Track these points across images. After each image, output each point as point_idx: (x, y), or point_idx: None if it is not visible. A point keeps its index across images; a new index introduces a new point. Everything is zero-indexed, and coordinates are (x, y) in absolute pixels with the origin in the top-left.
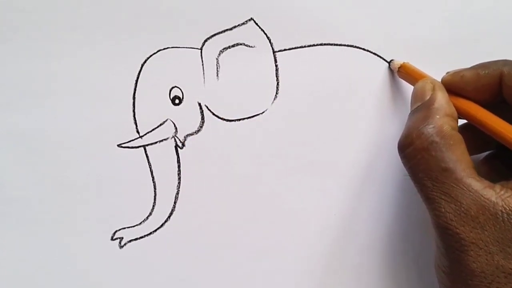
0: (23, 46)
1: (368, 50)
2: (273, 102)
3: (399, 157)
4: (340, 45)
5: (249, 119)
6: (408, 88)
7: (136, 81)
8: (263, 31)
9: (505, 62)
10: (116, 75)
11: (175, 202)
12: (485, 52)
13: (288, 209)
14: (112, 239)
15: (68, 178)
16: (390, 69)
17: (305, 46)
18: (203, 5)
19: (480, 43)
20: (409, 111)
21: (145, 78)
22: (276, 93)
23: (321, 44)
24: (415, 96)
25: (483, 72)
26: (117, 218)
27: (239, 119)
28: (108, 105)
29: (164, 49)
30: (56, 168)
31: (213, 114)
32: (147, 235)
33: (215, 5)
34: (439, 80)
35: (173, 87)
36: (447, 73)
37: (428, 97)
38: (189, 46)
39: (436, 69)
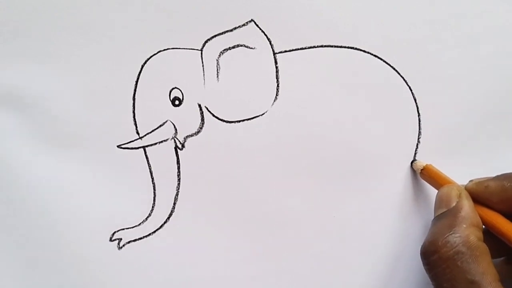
0: (23, 46)
1: (368, 52)
2: (273, 103)
3: (399, 157)
4: (341, 47)
5: (249, 121)
6: None
7: (136, 82)
8: (264, 32)
9: None
10: (116, 76)
11: (174, 203)
12: (487, 53)
13: (288, 211)
14: (111, 240)
15: (67, 179)
16: (412, 169)
17: (305, 48)
18: (204, 6)
19: (481, 43)
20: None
21: (145, 79)
22: (276, 95)
23: (321, 46)
24: (440, 201)
25: (509, 184)
26: (117, 219)
27: (239, 121)
28: (108, 106)
29: (164, 50)
30: (56, 168)
31: (213, 115)
32: (146, 236)
33: (216, 6)
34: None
35: (173, 88)
36: (471, 181)
37: (454, 204)
38: (190, 47)
39: (435, 69)
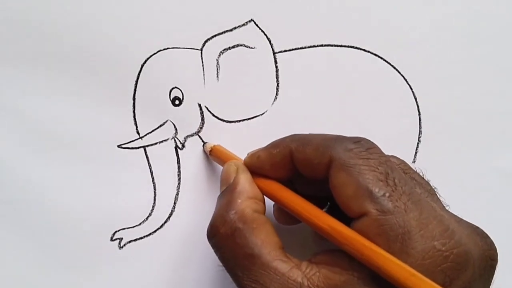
0: (22, 46)
1: (368, 51)
2: (273, 103)
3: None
4: (340, 46)
5: (249, 120)
6: None
7: (136, 81)
8: (264, 32)
9: (292, 138)
10: (116, 76)
11: (175, 203)
12: (487, 52)
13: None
14: (111, 239)
15: (67, 179)
16: (204, 151)
17: (305, 47)
18: (203, 6)
19: (482, 43)
20: None
21: (145, 78)
22: (276, 95)
23: (321, 45)
24: (221, 179)
25: (275, 151)
26: (117, 218)
27: (239, 120)
28: (108, 105)
29: (164, 49)
30: (56, 168)
31: (213, 115)
32: (147, 235)
33: (216, 6)
34: None
35: (173, 88)
36: (247, 154)
37: (232, 180)
38: (189, 47)
39: (436, 69)
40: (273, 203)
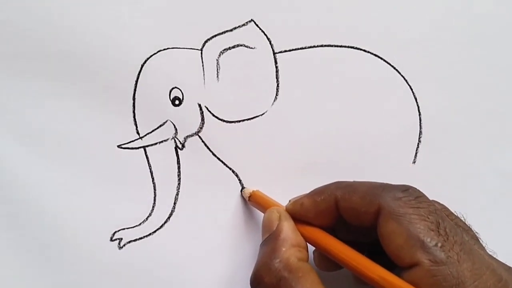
0: (22, 46)
1: (368, 52)
2: (273, 103)
3: (400, 157)
4: (341, 46)
5: (249, 121)
6: None
7: (136, 81)
8: (264, 32)
9: (337, 185)
10: (116, 76)
11: (174, 203)
12: (487, 52)
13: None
14: (111, 239)
15: (67, 179)
16: (242, 197)
17: (305, 48)
18: (204, 6)
19: (482, 43)
20: None
21: (145, 78)
22: (276, 95)
23: (321, 46)
24: (264, 226)
25: (319, 198)
26: (117, 218)
27: (239, 121)
28: (108, 105)
29: (164, 49)
30: (56, 168)
31: (213, 115)
32: (147, 236)
33: (216, 6)
34: None
35: (173, 88)
36: (289, 201)
37: (274, 228)
38: (189, 47)
39: (436, 69)
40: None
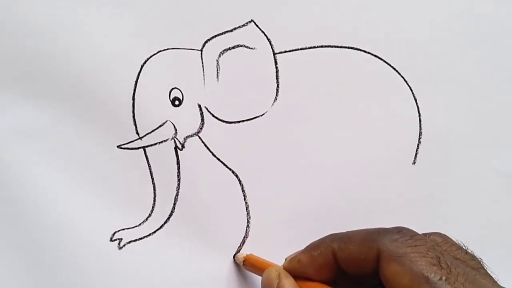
0: (22, 46)
1: (368, 52)
2: (273, 104)
3: (400, 158)
4: (341, 47)
5: (249, 121)
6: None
7: (136, 82)
8: (264, 33)
9: (332, 237)
10: (116, 76)
11: (174, 204)
12: (487, 53)
13: (288, 211)
14: (111, 240)
15: (67, 179)
16: (236, 263)
17: (305, 48)
18: (204, 6)
19: (482, 44)
20: None
21: (145, 79)
22: (276, 95)
23: (321, 46)
24: (263, 287)
25: (316, 252)
26: (117, 219)
27: (239, 121)
28: (107, 106)
29: (164, 50)
30: (56, 168)
31: (213, 115)
32: (147, 236)
33: (216, 6)
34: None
35: (173, 88)
36: (286, 259)
37: (275, 287)
38: (189, 48)
39: (436, 69)
40: None
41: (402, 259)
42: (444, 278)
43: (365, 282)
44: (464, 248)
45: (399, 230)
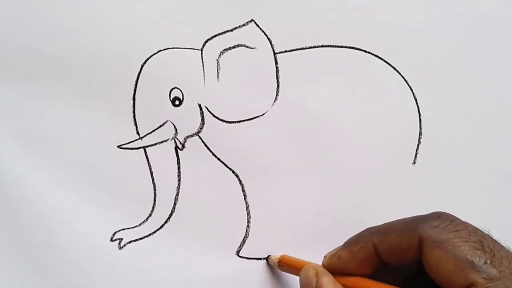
0: (22, 46)
1: (368, 52)
2: (273, 104)
3: (400, 158)
4: (341, 46)
5: (249, 121)
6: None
7: (136, 82)
8: (264, 32)
9: (371, 231)
10: (116, 76)
11: (174, 204)
12: (487, 53)
13: (288, 211)
14: (111, 240)
15: (68, 179)
16: (269, 264)
17: (306, 48)
18: (204, 6)
19: (482, 44)
20: None
21: (145, 79)
22: (277, 95)
23: (322, 46)
24: (302, 286)
25: (356, 247)
26: (117, 219)
27: (239, 121)
28: (108, 106)
29: (164, 50)
30: (56, 168)
31: (213, 115)
32: (147, 236)
33: (216, 6)
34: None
35: (173, 88)
36: (325, 256)
37: (314, 286)
38: (190, 47)
39: (436, 69)
40: None
41: (444, 245)
42: (488, 261)
43: (404, 271)
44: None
45: (438, 216)
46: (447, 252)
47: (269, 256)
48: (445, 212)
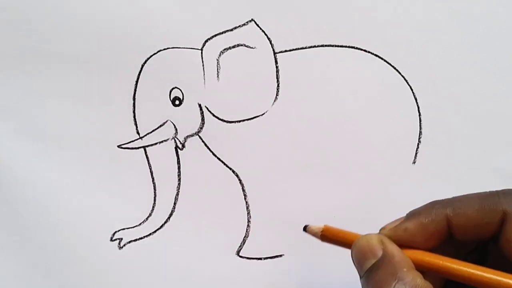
0: (22, 46)
1: (368, 52)
2: (273, 103)
3: (400, 157)
4: (341, 46)
5: (249, 121)
6: None
7: (136, 81)
8: (264, 32)
9: (443, 203)
10: (116, 76)
11: (175, 203)
12: (487, 53)
13: (288, 211)
14: (111, 239)
15: (67, 179)
16: (313, 235)
17: (306, 48)
18: (204, 6)
19: (482, 44)
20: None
21: (145, 78)
22: (277, 95)
23: (322, 46)
24: (363, 253)
25: (427, 220)
26: (117, 218)
27: (239, 121)
28: (108, 106)
29: (165, 49)
30: (56, 168)
31: (213, 115)
32: (147, 236)
33: (216, 6)
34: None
35: (173, 88)
36: (383, 228)
37: (381, 253)
38: (190, 47)
39: (436, 69)
40: None
41: None
42: None
43: (470, 244)
44: None
45: None
46: None
47: (307, 225)
48: None
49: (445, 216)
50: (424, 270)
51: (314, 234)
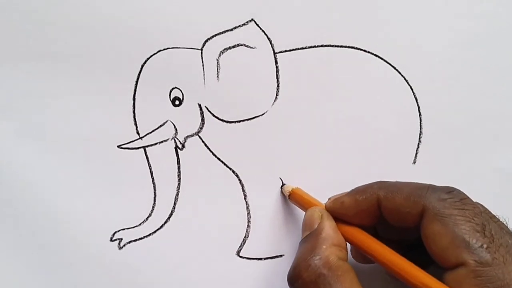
0: (22, 46)
1: (368, 52)
2: (273, 103)
3: (400, 158)
4: (341, 46)
5: (249, 121)
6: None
7: (136, 82)
8: (264, 32)
9: (380, 185)
10: (116, 76)
11: (174, 204)
12: (487, 53)
13: (288, 211)
14: (111, 240)
15: (67, 179)
16: (282, 193)
17: (305, 48)
18: (204, 6)
19: (482, 43)
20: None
21: (145, 79)
22: (277, 95)
23: (321, 46)
24: (304, 224)
25: (361, 197)
26: (117, 219)
27: (239, 121)
28: (108, 106)
29: (164, 49)
30: (56, 168)
31: (213, 115)
32: (147, 236)
33: (216, 6)
34: None
35: (173, 88)
36: (329, 199)
37: (316, 226)
38: (190, 47)
39: (436, 69)
40: None
41: (446, 220)
42: (485, 246)
43: (404, 233)
44: (505, 223)
45: (450, 191)
46: (447, 227)
47: (284, 184)
48: (457, 189)
49: (377, 197)
50: (357, 247)
51: (284, 192)
